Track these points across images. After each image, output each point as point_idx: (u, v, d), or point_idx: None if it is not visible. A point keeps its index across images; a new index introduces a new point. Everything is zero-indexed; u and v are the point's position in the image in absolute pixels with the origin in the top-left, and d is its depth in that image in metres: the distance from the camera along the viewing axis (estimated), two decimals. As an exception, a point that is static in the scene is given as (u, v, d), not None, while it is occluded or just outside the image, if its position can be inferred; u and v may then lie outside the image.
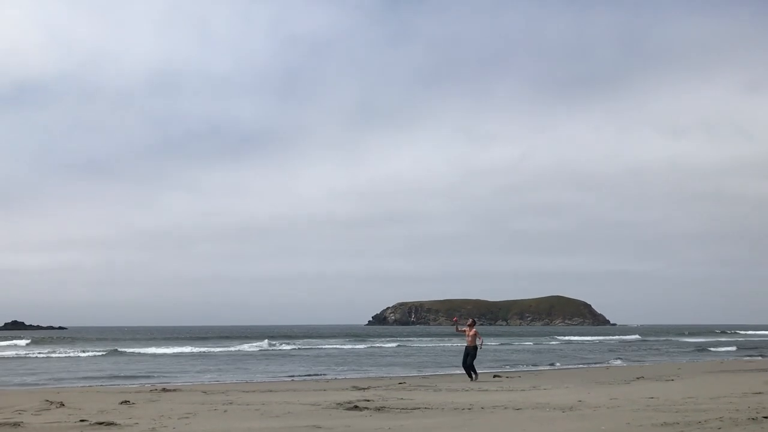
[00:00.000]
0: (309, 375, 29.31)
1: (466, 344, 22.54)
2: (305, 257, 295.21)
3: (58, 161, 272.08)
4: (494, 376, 24.95)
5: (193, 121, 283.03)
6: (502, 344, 64.49)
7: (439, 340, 73.29)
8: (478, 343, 22.34)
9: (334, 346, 59.24)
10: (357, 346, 59.75)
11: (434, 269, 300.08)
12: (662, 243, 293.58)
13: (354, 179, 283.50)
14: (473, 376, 22.23)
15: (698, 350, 53.71)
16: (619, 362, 37.05)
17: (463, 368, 22.78)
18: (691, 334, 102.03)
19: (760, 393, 15.77)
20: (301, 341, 70.13)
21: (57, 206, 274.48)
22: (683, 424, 9.97)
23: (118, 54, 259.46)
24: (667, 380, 20.87)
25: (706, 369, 28.30)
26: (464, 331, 22.59)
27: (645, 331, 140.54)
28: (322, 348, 56.74)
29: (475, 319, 24.31)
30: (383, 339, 76.60)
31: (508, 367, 33.75)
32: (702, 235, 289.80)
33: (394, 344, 63.67)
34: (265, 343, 59.41)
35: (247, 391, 19.24)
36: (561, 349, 56.00)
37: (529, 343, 67.44)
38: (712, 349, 55.46)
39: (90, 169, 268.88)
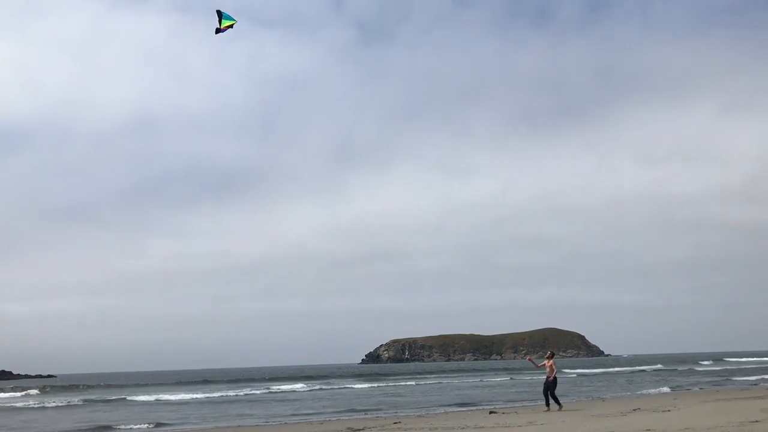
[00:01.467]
0: (301, 414, 28.96)
1: (546, 376, 23.89)
2: (293, 297, 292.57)
3: (38, 206, 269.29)
4: (490, 412, 24.77)
5: (172, 162, 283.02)
6: (504, 379, 64.02)
7: (468, 375, 72.67)
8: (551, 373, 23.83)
9: (348, 386, 58.63)
10: (375, 384, 59.44)
11: (424, 305, 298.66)
12: (649, 272, 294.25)
13: (337, 217, 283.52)
14: (558, 405, 23.51)
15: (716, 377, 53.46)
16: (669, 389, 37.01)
17: (543, 396, 24.25)
18: (680, 362, 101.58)
19: (756, 421, 15.75)
20: (310, 381, 69.31)
21: (38, 252, 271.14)
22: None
23: (94, 96, 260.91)
24: (664, 411, 20.79)
25: (702, 398, 28.17)
26: (543, 365, 23.42)
27: (635, 361, 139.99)
28: (334, 389, 56.09)
29: (554, 351, 25.44)
30: (401, 376, 76.11)
31: (501, 403, 33.49)
32: (687, 263, 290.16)
33: (412, 382, 62.98)
34: (298, 386, 58.88)
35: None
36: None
37: (528, 378, 67.05)
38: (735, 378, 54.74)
39: (71, 214, 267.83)
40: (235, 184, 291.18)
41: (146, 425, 26.53)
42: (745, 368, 75.97)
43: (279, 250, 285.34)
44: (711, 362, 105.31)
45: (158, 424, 26.97)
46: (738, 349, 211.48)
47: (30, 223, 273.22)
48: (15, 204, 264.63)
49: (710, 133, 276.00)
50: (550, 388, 23.77)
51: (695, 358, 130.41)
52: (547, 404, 23.76)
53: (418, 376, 75.94)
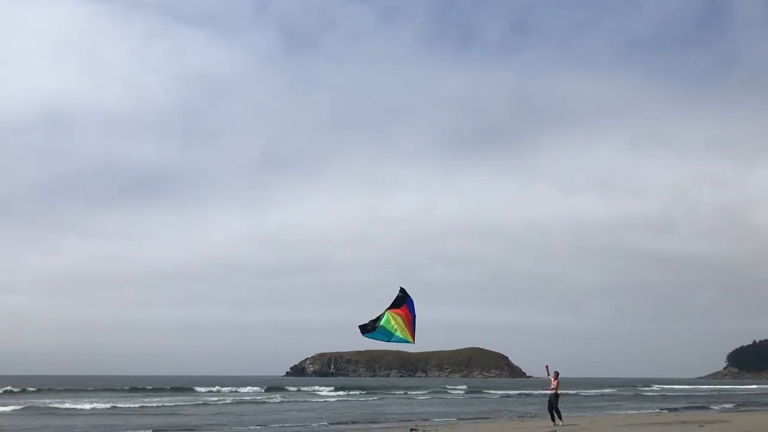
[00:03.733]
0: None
1: (551, 392, 25.15)
2: (216, 306, 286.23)
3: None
4: (411, 430, 24.69)
5: (87, 160, 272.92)
6: (427, 396, 64.21)
7: (392, 391, 72.27)
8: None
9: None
10: (293, 398, 58.14)
11: (350, 320, 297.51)
12: (569, 297, 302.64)
13: (261, 226, 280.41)
14: (560, 419, 24.74)
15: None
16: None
17: (549, 413, 25.38)
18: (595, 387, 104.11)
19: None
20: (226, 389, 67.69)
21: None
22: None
23: (5, 89, 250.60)
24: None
25: (617, 422, 28.81)
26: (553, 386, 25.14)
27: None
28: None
29: (558, 372, 25.80)
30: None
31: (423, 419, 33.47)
32: (605, 289, 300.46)
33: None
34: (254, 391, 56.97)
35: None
36: (495, 401, 56.16)
37: (451, 396, 67.33)
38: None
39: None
40: (155, 186, 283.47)
41: None
42: (669, 395, 78.48)
43: (202, 258, 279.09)
44: (657, 387, 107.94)
45: None
46: (650, 375, 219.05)
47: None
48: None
49: (624, 165, 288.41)
50: (553, 404, 25.05)
51: (611, 384, 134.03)
52: (552, 419, 25.05)
53: (341, 390, 75.36)
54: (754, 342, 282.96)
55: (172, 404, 47.32)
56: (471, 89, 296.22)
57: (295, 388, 78.88)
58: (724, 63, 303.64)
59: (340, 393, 69.19)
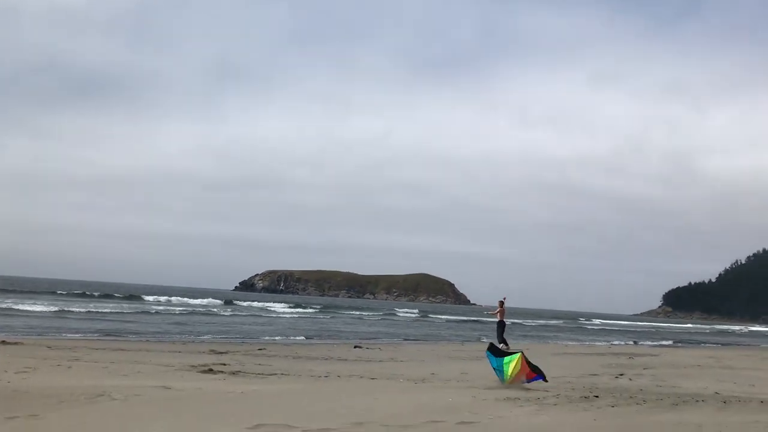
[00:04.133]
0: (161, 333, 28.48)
1: (497, 320, 24.84)
2: (162, 215, 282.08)
3: None
4: (355, 347, 25.32)
5: (28, 53, 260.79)
6: (378, 318, 65.66)
7: (342, 311, 73.47)
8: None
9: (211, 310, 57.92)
10: (246, 313, 58.68)
11: (303, 239, 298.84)
12: (518, 230, 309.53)
13: (213, 138, 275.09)
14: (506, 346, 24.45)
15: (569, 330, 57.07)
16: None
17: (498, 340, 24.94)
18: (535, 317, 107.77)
19: (595, 374, 16.98)
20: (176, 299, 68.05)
21: None
22: (523, 400, 10.53)
23: None
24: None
25: (552, 351, 30.07)
26: (496, 312, 24.86)
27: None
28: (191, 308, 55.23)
29: (502, 300, 26.23)
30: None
31: (367, 339, 34.34)
32: (552, 225, 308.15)
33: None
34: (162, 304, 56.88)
35: (96, 348, 18.42)
36: (446, 326, 57.71)
37: (402, 317, 68.98)
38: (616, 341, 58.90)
39: None
40: (102, 88, 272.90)
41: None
42: (608, 329, 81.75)
43: (149, 166, 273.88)
44: (596, 321, 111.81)
45: None
46: (590, 310, 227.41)
47: None
48: None
49: (581, 102, 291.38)
50: (498, 333, 25.33)
51: (555, 315, 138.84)
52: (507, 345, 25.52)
53: (294, 307, 76.35)
54: (690, 284, 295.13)
55: (123, 311, 47.30)
56: (437, 13, 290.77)
57: (246, 303, 79.55)
58: (687, 9, 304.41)
59: (297, 310, 70.29)
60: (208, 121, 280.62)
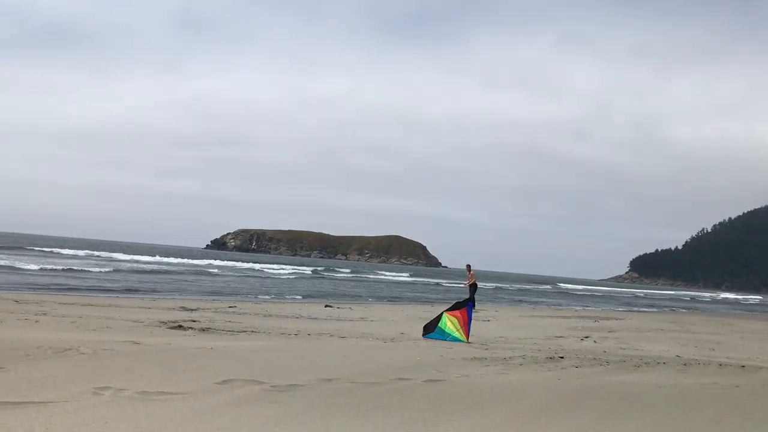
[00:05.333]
0: (131, 290, 28.37)
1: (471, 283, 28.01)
2: (130, 171, 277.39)
3: None
4: (326, 306, 25.49)
5: None
6: (349, 277, 65.92)
7: (314, 271, 73.47)
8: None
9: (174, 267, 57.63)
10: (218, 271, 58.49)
11: (274, 198, 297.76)
12: (486, 194, 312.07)
13: (178, 92, 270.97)
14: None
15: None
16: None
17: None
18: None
19: (561, 337, 17.32)
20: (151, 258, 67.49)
21: None
22: (490, 360, 10.72)
23: None
24: (484, 321, 22.33)
25: (520, 313, 30.57)
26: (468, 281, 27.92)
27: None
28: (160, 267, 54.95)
29: (469, 264, 28.75)
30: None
31: (339, 299, 34.59)
32: (519, 189, 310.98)
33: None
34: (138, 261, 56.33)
35: (64, 303, 18.29)
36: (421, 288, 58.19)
37: (372, 278, 69.32)
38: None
39: None
40: (63, 37, 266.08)
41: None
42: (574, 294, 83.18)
43: (113, 119, 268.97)
44: (550, 286, 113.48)
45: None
46: (557, 274, 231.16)
47: None
48: None
49: (548, 65, 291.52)
50: (471, 291, 27.63)
51: (523, 279, 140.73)
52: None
53: (266, 266, 76.26)
54: (657, 250, 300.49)
55: (97, 270, 46.84)
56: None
57: (231, 263, 78.45)
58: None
59: (296, 269, 70.28)
60: (175, 75, 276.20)
